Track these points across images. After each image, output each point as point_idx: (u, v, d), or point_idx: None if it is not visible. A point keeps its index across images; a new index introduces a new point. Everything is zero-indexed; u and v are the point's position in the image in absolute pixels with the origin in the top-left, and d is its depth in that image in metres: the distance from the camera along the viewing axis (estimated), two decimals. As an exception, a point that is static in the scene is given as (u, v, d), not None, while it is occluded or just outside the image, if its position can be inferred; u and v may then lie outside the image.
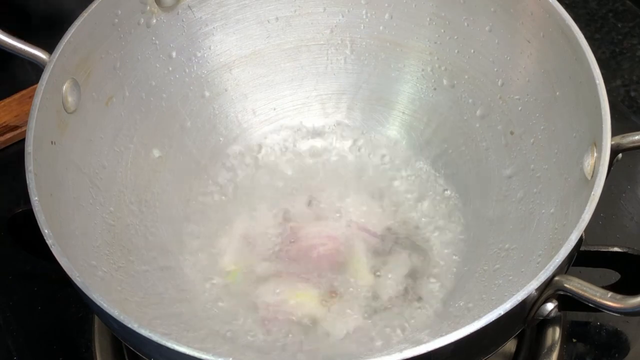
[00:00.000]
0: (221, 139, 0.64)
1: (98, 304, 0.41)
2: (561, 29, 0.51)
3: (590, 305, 0.41)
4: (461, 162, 0.61)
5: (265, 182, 0.63)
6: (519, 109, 0.57)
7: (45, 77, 0.50)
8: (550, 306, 0.43)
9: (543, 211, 0.52)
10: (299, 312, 0.56)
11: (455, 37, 0.61)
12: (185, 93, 0.63)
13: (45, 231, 0.44)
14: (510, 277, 0.52)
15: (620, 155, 0.47)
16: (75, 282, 0.42)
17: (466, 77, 0.61)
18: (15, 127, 0.73)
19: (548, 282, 0.42)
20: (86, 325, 0.60)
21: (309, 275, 0.57)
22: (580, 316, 0.59)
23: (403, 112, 0.64)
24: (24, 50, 0.53)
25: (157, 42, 0.60)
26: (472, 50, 0.60)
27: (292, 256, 0.59)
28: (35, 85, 0.50)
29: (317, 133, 0.66)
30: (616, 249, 0.54)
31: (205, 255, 0.59)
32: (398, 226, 0.60)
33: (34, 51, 0.53)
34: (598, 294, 0.40)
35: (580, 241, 0.43)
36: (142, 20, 0.58)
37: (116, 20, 0.56)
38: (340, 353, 0.54)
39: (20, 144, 0.72)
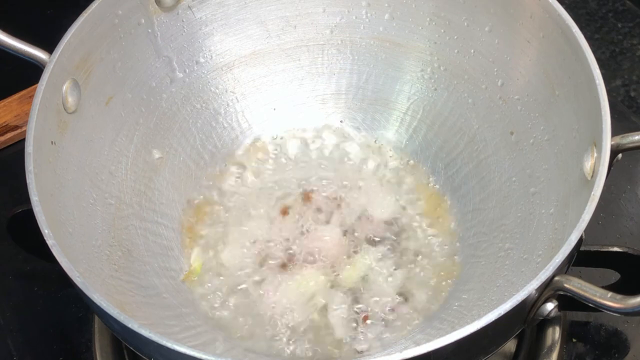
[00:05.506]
0: (221, 139, 0.64)
1: (98, 304, 0.41)
2: (561, 29, 0.51)
3: (590, 305, 0.41)
4: (461, 163, 0.61)
5: (265, 181, 0.63)
6: (519, 109, 0.57)
7: (45, 77, 0.50)
8: (550, 306, 0.43)
9: (543, 211, 0.52)
10: (302, 312, 0.56)
11: (455, 37, 0.61)
12: (186, 93, 0.63)
13: (45, 231, 0.44)
14: (510, 278, 0.52)
15: (620, 155, 0.47)
16: (76, 282, 0.42)
17: (466, 77, 0.61)
18: (15, 127, 0.73)
19: (548, 283, 0.42)
20: (86, 325, 0.60)
21: (311, 274, 0.57)
22: (580, 316, 0.59)
23: (403, 113, 0.64)
24: (24, 50, 0.53)
25: (157, 42, 0.60)
26: (472, 51, 0.60)
27: (292, 256, 0.59)
28: (35, 85, 0.50)
29: (317, 133, 0.66)
30: (616, 249, 0.54)
31: (206, 255, 0.59)
32: (398, 226, 0.60)
33: (34, 51, 0.53)
34: (598, 294, 0.40)
35: (580, 241, 0.43)
36: (142, 20, 0.58)
37: (116, 20, 0.56)
38: (342, 351, 0.54)
39: (20, 144, 0.72)
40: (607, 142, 0.45)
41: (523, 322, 0.44)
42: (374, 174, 0.63)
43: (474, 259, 0.56)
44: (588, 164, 0.47)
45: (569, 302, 0.42)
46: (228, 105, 0.65)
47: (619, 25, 0.78)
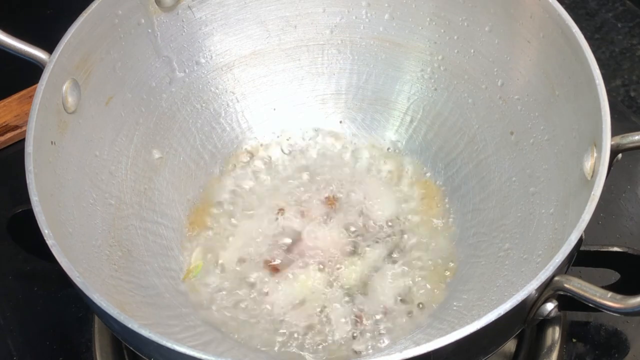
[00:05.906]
0: (221, 139, 0.64)
1: (98, 304, 0.41)
2: (561, 29, 0.51)
3: (590, 305, 0.41)
4: (461, 163, 0.61)
5: (265, 181, 0.63)
6: (519, 109, 0.57)
7: (45, 77, 0.50)
8: (550, 306, 0.43)
9: (543, 211, 0.52)
10: (301, 312, 0.56)
11: (455, 37, 0.61)
12: (186, 93, 0.63)
13: (45, 231, 0.44)
14: (510, 278, 0.52)
15: (620, 155, 0.47)
16: (76, 282, 0.42)
17: (466, 77, 0.61)
18: (15, 127, 0.73)
19: (548, 283, 0.42)
20: (86, 325, 0.60)
21: (311, 274, 0.57)
22: (580, 316, 0.59)
23: (403, 113, 0.64)
24: (24, 50, 0.53)
25: (157, 42, 0.60)
26: (472, 51, 0.60)
27: (292, 256, 0.59)
28: (35, 85, 0.50)
29: (316, 133, 0.66)
30: (616, 249, 0.54)
31: (205, 255, 0.59)
32: (397, 226, 0.60)
33: (34, 51, 0.53)
34: (598, 294, 0.40)
35: (580, 241, 0.43)
36: (142, 20, 0.58)
37: (116, 20, 0.56)
38: (341, 351, 0.54)
39: (20, 144, 0.72)
40: (607, 142, 0.45)
41: (523, 322, 0.44)
42: (373, 174, 0.63)
43: (473, 259, 0.56)
44: (588, 164, 0.47)
45: (569, 302, 0.42)
46: (228, 105, 0.65)
47: (619, 25, 0.78)
